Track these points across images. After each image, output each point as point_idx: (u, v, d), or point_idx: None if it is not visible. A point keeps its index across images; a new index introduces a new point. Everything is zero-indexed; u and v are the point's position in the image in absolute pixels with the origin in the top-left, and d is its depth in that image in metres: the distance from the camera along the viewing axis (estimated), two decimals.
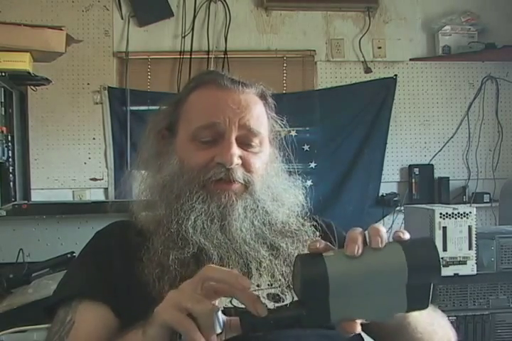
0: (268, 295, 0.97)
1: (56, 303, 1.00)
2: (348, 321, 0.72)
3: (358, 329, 0.73)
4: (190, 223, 0.98)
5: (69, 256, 1.90)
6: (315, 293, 0.71)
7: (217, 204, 1.00)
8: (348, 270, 0.71)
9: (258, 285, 0.98)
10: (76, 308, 0.96)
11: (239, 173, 1.01)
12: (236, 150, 1.01)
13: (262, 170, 1.05)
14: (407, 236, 0.73)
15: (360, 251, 0.71)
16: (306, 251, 0.76)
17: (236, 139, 1.02)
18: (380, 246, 0.71)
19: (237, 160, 1.00)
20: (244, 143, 1.03)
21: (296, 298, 0.97)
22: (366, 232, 0.75)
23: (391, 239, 0.74)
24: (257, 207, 1.02)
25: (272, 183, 1.06)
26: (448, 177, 3.73)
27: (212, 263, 0.94)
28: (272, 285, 0.99)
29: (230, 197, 1.00)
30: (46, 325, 1.04)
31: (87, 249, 1.08)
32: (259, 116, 1.06)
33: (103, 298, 0.97)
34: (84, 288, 0.98)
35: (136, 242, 1.00)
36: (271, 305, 0.95)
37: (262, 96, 1.09)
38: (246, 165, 1.02)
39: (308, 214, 1.11)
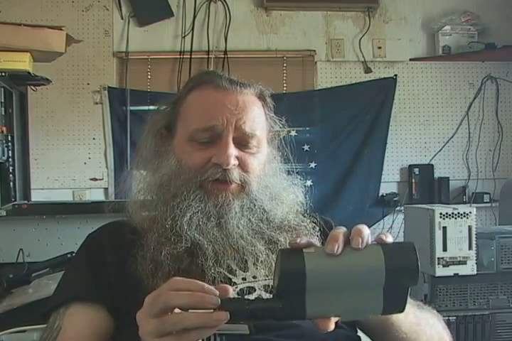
0: (264, 286, 0.98)
1: (50, 311, 1.02)
2: (323, 318, 0.73)
3: (331, 327, 0.73)
4: (185, 220, 0.98)
5: (69, 256, 1.90)
6: (292, 287, 0.71)
7: (214, 204, 1.00)
8: (326, 267, 0.71)
9: (254, 277, 0.98)
10: (64, 314, 0.98)
11: (235, 174, 1.01)
12: (233, 151, 1.01)
13: (259, 171, 1.05)
14: (389, 239, 0.74)
15: (340, 250, 0.71)
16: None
17: (233, 139, 1.02)
18: (360, 246, 0.72)
19: (233, 161, 1.01)
20: (242, 143, 1.03)
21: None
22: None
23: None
24: (254, 206, 1.03)
25: (269, 183, 1.07)
26: (448, 177, 3.73)
27: (207, 257, 0.95)
28: (268, 276, 0.99)
29: (227, 197, 1.01)
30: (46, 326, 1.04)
31: (79, 254, 1.10)
32: (256, 118, 1.06)
33: (95, 300, 0.98)
34: (74, 293, 1.00)
35: (129, 240, 1.01)
36: (267, 296, 0.96)
37: (261, 97, 1.09)
38: (243, 166, 1.03)
39: (308, 211, 1.11)
